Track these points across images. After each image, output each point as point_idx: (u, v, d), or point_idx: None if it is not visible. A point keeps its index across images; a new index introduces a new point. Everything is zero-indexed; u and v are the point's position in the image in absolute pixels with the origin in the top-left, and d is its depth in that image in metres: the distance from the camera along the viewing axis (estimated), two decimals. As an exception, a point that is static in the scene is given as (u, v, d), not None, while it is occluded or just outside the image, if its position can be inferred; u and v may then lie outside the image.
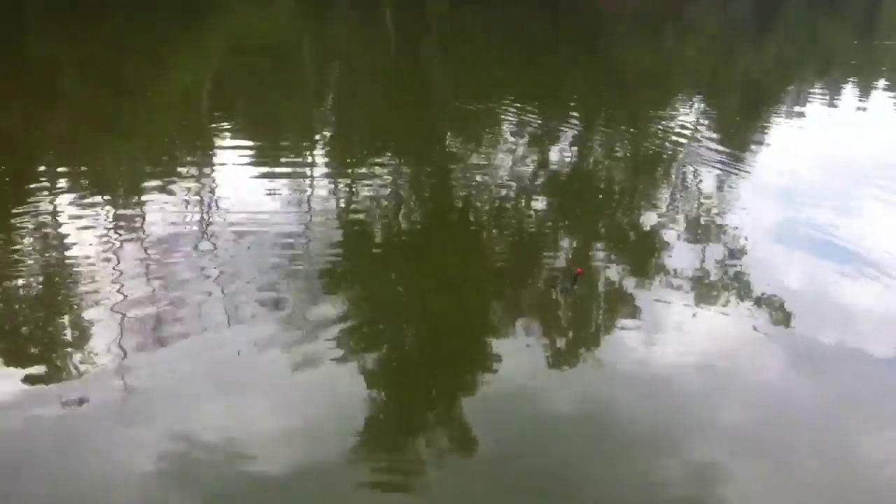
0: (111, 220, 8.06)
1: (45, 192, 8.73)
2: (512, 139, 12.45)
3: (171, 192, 8.87)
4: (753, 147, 12.57)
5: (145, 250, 7.28)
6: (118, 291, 6.41)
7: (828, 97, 17.32)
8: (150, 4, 22.80)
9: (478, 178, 10.23)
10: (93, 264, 6.92)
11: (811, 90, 18.24)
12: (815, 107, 16.10)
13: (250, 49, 18.97)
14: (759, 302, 7.05)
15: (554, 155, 11.65)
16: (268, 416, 5.17)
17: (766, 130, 13.72)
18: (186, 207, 8.50)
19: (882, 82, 19.63)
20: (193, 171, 10.03)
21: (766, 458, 5.11)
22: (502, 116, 13.78)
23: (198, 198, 8.87)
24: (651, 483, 4.83)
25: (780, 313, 6.88)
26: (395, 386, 5.70)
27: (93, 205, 8.40)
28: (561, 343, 6.36)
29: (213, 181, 9.52)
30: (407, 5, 28.48)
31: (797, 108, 15.88)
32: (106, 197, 8.72)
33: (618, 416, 5.43)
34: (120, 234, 7.64)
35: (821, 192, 10.29)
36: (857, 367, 6.27)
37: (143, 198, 8.69)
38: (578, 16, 28.34)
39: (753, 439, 5.28)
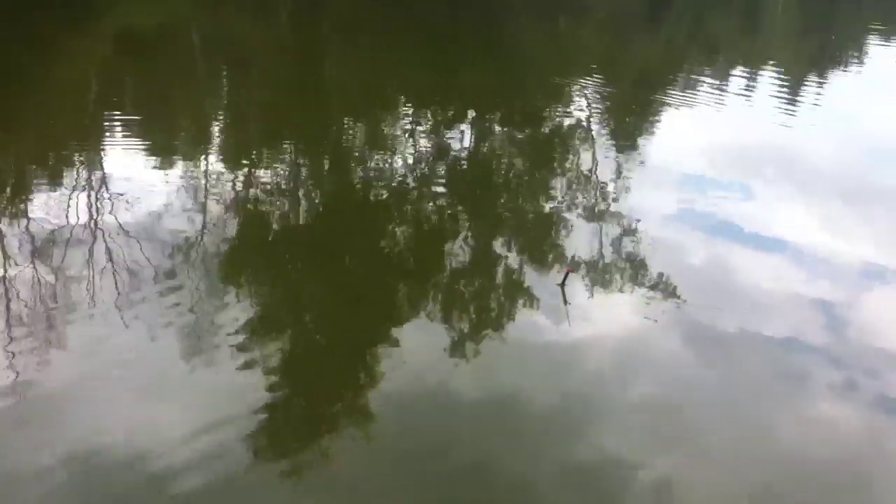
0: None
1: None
2: (409, 127, 12.40)
3: (59, 186, 8.50)
4: (648, 133, 12.90)
5: (33, 246, 6.96)
6: (3, 293, 6.10)
7: (717, 84, 17.89)
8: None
9: (376, 167, 10.18)
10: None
11: (700, 77, 18.83)
12: (705, 93, 16.59)
13: (140, 38, 18.28)
14: (658, 285, 7.25)
15: (451, 142, 11.65)
16: (167, 415, 5.00)
17: (659, 116, 14.08)
18: (76, 201, 8.13)
19: (767, 71, 20.41)
20: (84, 163, 9.61)
21: (670, 435, 5.27)
22: (400, 105, 13.73)
23: (88, 191, 8.50)
24: (561, 463, 4.92)
25: (679, 295, 7.08)
26: (300, 381, 5.62)
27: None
28: (467, 331, 6.39)
29: (105, 174, 9.12)
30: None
31: (688, 94, 16.33)
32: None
33: (526, 400, 5.50)
34: (6, 230, 7.29)
35: (714, 176, 10.63)
36: (754, 347, 6.49)
37: (31, 192, 8.30)
38: (478, 5, 28.46)
39: (656, 418, 5.43)
